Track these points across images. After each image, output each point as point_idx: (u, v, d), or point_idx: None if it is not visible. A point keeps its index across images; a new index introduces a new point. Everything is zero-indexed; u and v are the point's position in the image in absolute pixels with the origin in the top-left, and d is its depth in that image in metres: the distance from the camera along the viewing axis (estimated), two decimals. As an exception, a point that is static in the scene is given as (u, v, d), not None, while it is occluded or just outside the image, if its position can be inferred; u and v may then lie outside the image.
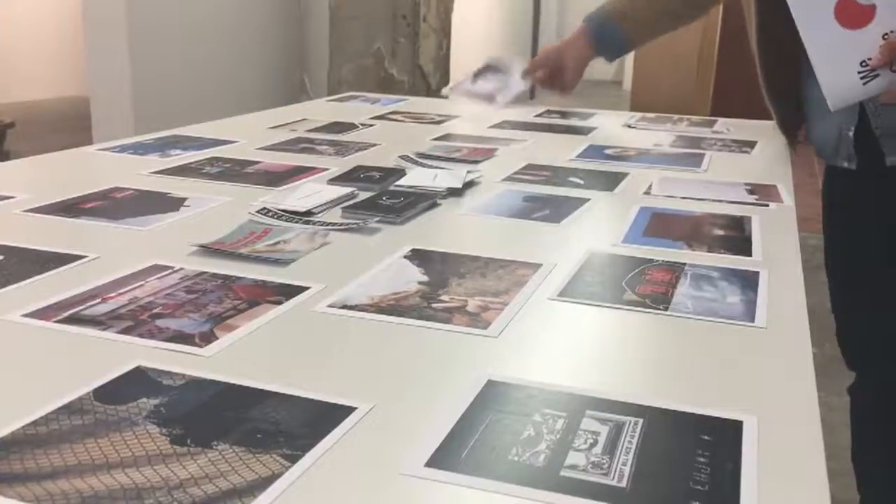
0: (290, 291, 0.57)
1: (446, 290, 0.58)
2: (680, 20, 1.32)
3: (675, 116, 1.40)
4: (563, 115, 1.41)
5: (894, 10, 0.84)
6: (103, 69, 3.15)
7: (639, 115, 1.41)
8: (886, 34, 0.85)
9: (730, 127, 1.29)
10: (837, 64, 0.86)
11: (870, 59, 0.85)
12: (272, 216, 0.74)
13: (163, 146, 1.04)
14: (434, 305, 0.55)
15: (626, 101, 6.61)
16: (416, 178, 0.89)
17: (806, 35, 0.87)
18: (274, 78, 4.08)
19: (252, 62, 3.90)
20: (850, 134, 1.00)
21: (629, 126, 1.32)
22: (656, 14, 1.30)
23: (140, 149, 1.03)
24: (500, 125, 1.30)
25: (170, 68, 3.32)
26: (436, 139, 1.17)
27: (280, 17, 4.06)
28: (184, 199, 0.79)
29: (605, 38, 1.31)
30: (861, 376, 1.12)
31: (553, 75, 1.36)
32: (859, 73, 0.85)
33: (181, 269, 0.60)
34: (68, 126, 5.42)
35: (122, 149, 1.03)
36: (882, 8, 0.84)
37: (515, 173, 0.96)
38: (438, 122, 1.30)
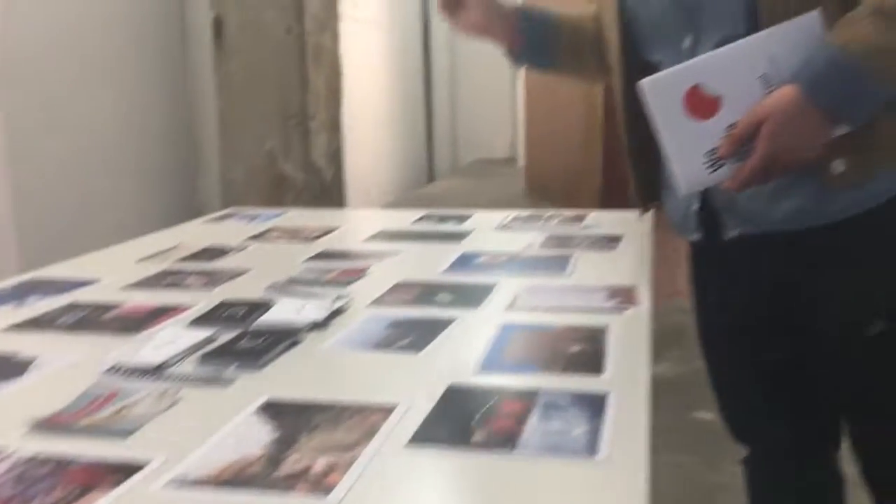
0: (128, 469, 0.55)
1: (295, 447, 0.57)
2: (587, 71, 1.26)
3: (547, 213, 1.45)
4: (441, 219, 1.44)
5: (738, 103, 0.90)
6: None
7: (513, 214, 1.45)
8: (730, 125, 0.90)
9: (598, 221, 1.34)
10: (687, 152, 0.91)
11: (716, 149, 0.90)
12: (122, 373, 0.72)
13: (21, 294, 1.00)
14: (275, 475, 0.54)
15: (521, 177, 6.80)
16: (280, 312, 0.89)
17: (658, 123, 0.92)
18: (165, 185, 4.03)
19: (141, 171, 3.85)
20: (695, 209, 1.05)
21: (503, 226, 1.36)
22: (578, 47, 1.22)
23: (-6, 299, 0.99)
24: (376, 236, 1.31)
25: (51, 180, 3.23)
26: (309, 259, 1.16)
27: (168, 123, 4.03)
28: (32, 360, 0.76)
29: (530, 23, 1.19)
30: (748, 449, 1.15)
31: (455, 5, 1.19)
32: (706, 162, 0.91)
33: (13, 453, 0.57)
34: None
35: (-26, 301, 0.99)
36: (726, 100, 0.90)
37: (384, 295, 0.97)
38: (314, 239, 1.31)
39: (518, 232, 1.31)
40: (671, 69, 0.92)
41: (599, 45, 1.21)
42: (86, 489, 0.52)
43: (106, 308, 0.94)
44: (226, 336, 0.81)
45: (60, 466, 0.55)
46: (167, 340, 0.79)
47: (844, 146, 0.90)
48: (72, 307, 0.95)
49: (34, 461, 0.56)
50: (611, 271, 1.05)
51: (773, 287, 1.06)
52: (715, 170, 0.91)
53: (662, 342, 2.91)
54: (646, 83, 0.91)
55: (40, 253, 3.07)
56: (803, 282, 1.02)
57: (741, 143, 0.89)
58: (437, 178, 7.67)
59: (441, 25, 9.69)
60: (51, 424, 0.61)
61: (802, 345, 1.09)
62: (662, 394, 2.56)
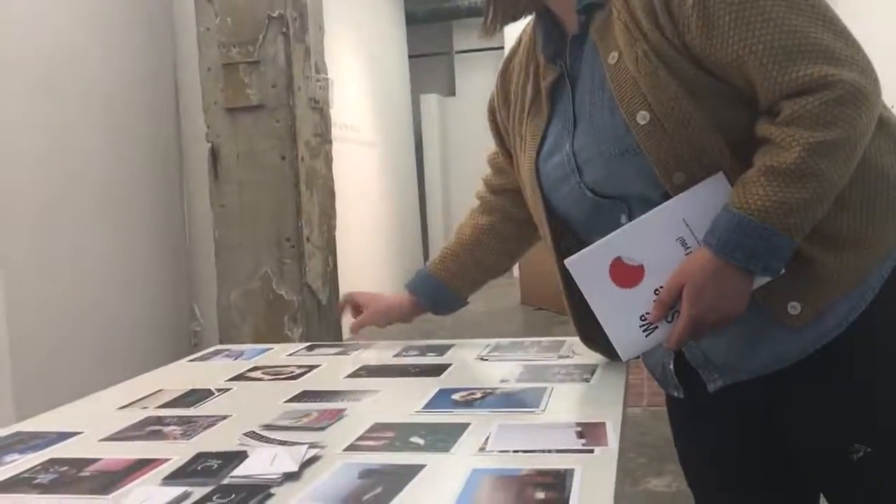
0: None
1: None
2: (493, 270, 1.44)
3: (528, 341, 1.47)
4: (421, 351, 1.46)
5: (660, 267, 0.95)
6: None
7: (493, 343, 1.47)
8: (657, 290, 0.94)
9: (574, 350, 1.36)
10: (620, 320, 0.96)
11: (647, 313, 0.94)
12: (92, 540, 0.72)
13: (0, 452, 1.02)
14: None
15: (517, 288, 6.86)
16: (254, 464, 0.90)
17: (588, 295, 0.97)
18: (164, 309, 4.08)
19: (141, 296, 3.90)
20: (671, 367, 1.08)
21: (482, 358, 1.38)
22: (475, 260, 1.41)
23: (-26, 458, 1.00)
24: (356, 373, 1.33)
25: (51, 309, 3.28)
26: (289, 400, 1.18)
27: (166, 250, 4.12)
28: (4, 527, 0.77)
29: (433, 298, 1.42)
30: None
31: (355, 309, 1.50)
32: (640, 325, 0.95)
33: None
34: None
35: (-44, 461, 1.00)
36: (649, 267, 0.95)
37: (359, 439, 0.98)
38: (297, 377, 1.33)
39: (497, 363, 1.34)
40: (592, 246, 0.98)
41: (504, 246, 1.40)
42: None
43: (84, 463, 0.95)
44: (198, 493, 0.82)
45: None
46: (139, 501, 0.80)
47: (794, 288, 0.94)
48: (52, 463, 0.96)
49: None
50: (583, 406, 1.07)
51: (756, 427, 1.09)
52: (649, 333, 0.95)
53: (663, 454, 2.88)
54: (571, 262, 0.97)
55: (36, 385, 3.08)
56: (785, 416, 1.05)
57: (667, 307, 0.94)
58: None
59: (433, 141, 9.99)
60: None
61: (793, 478, 1.11)
62: (661, 510, 2.49)
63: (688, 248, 0.94)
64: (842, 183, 0.91)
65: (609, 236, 0.97)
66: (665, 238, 0.94)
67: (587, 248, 0.98)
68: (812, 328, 0.97)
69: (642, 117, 0.95)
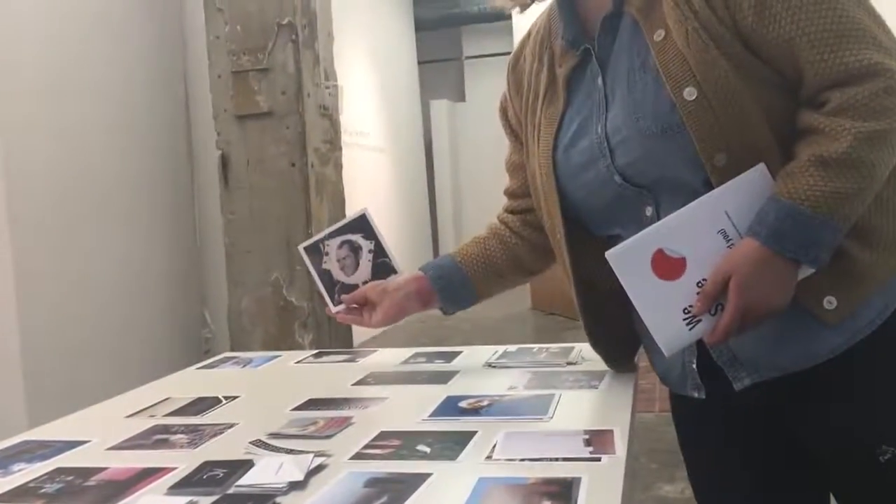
0: None
1: None
2: (526, 273, 1.35)
3: (536, 347, 1.46)
4: (429, 357, 1.46)
5: (703, 260, 0.93)
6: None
7: (501, 349, 1.47)
8: (700, 282, 0.93)
9: (584, 356, 1.35)
10: (662, 314, 0.94)
11: (690, 306, 0.93)
12: (97, 550, 0.72)
13: (6, 461, 1.02)
14: None
15: (527, 293, 6.84)
16: (260, 473, 0.90)
17: (630, 288, 0.95)
18: (175, 316, 4.09)
19: (152, 303, 3.92)
20: (693, 366, 1.07)
21: (490, 365, 1.37)
22: (507, 260, 1.32)
23: (-18, 467, 1.00)
24: (364, 380, 1.33)
25: (62, 316, 3.29)
26: (295, 408, 1.18)
27: (177, 257, 4.13)
28: (9, 538, 0.77)
29: (446, 283, 1.31)
30: None
31: (359, 312, 1.36)
32: (684, 319, 0.93)
33: None
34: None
35: (-37, 470, 1.00)
36: (691, 259, 0.93)
37: (365, 447, 0.97)
38: (303, 385, 1.32)
39: (504, 370, 1.33)
40: (634, 238, 0.97)
41: (515, 257, 1.31)
42: None
43: (90, 472, 0.95)
44: (204, 502, 0.82)
45: None
46: (144, 510, 0.80)
47: (831, 283, 0.94)
48: (58, 472, 0.96)
49: None
50: (591, 413, 1.06)
51: (770, 428, 1.08)
52: (693, 326, 0.94)
53: (675, 460, 2.86)
54: (612, 254, 0.95)
55: (49, 385, 3.10)
56: (806, 417, 1.04)
57: (713, 299, 0.93)
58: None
59: (443, 147, 9.99)
60: None
61: (815, 479, 1.10)
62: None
63: (729, 240, 0.94)
64: (885, 175, 0.92)
65: (651, 227, 0.96)
66: (706, 230, 0.94)
67: (628, 240, 0.96)
68: (845, 325, 0.96)
69: (689, 93, 0.94)
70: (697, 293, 0.93)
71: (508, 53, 1.31)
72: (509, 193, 1.34)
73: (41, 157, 3.21)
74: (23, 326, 3.06)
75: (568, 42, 1.10)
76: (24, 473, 0.97)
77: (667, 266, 0.94)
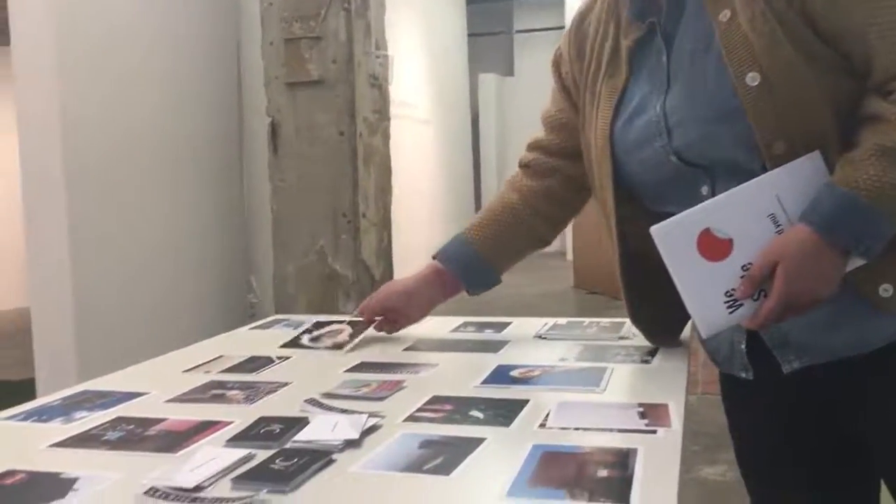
0: None
1: (319, 579, 0.58)
2: (536, 247, 1.35)
3: (586, 321, 1.46)
4: (479, 327, 1.46)
5: (749, 243, 0.91)
6: (45, 281, 3.19)
7: (551, 322, 1.46)
8: (745, 265, 0.91)
9: (634, 332, 1.34)
10: (704, 295, 0.92)
11: (733, 290, 0.91)
12: (159, 496, 0.74)
13: (69, 409, 1.04)
14: None
15: (570, 271, 6.81)
16: (315, 430, 0.91)
17: (672, 266, 0.94)
18: (220, 280, 4.15)
19: (198, 266, 3.97)
20: (743, 347, 1.06)
21: (540, 337, 1.37)
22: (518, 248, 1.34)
23: (45, 414, 1.03)
24: (413, 346, 1.33)
25: (112, 277, 3.36)
26: (349, 370, 1.19)
27: (225, 223, 4.18)
28: (75, 480, 0.79)
29: (471, 274, 1.32)
30: None
31: (394, 321, 1.37)
32: (725, 302, 0.92)
33: (50, 580, 0.59)
34: (10, 340, 5.37)
35: (27, 415, 1.03)
36: (737, 241, 0.91)
37: (419, 410, 0.98)
38: (355, 348, 1.33)
39: (555, 342, 1.32)
40: (680, 214, 0.95)
41: (556, 213, 1.31)
42: None
43: (149, 423, 0.97)
44: (262, 455, 0.83)
45: None
46: (204, 460, 0.82)
47: (888, 271, 0.92)
48: (119, 421, 0.99)
49: (68, 590, 0.58)
50: (645, 387, 1.05)
51: (817, 413, 1.07)
52: (734, 310, 0.92)
53: (717, 443, 2.84)
54: (657, 230, 0.93)
55: (99, 344, 3.17)
56: (858, 405, 1.03)
57: (758, 283, 0.91)
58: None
59: (489, 121, 9.93)
60: (87, 550, 0.64)
61: (865, 471, 1.08)
62: (715, 500, 2.50)
63: (778, 225, 0.91)
64: None
65: (700, 206, 0.94)
66: (756, 213, 0.92)
67: (675, 217, 0.94)
68: None
69: (752, 78, 0.92)
70: (741, 277, 0.91)
71: (560, 28, 1.29)
72: (540, 147, 1.31)
73: (96, 120, 3.26)
74: (75, 285, 3.13)
75: (634, 14, 1.08)
76: (86, 421, 0.99)
77: (713, 246, 0.92)
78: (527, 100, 9.27)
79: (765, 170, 0.94)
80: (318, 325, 1.45)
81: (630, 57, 1.08)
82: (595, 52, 1.15)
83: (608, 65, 1.11)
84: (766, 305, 0.90)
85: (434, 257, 1.35)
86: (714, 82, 0.97)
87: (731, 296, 0.91)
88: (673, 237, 0.93)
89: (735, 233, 0.92)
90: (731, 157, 0.98)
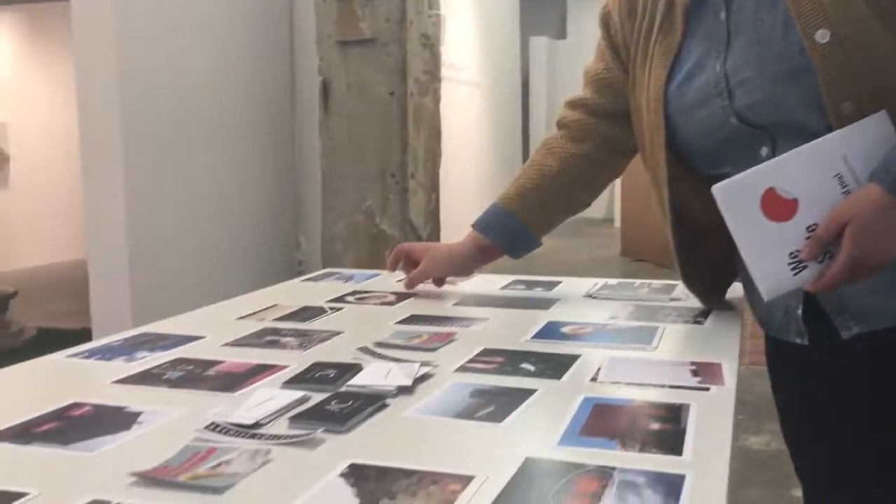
0: (220, 525, 0.58)
1: (375, 514, 0.60)
2: (584, 194, 1.33)
3: (637, 282, 1.45)
4: (529, 285, 1.46)
5: (815, 203, 0.89)
6: (101, 233, 3.26)
7: (602, 282, 1.46)
8: (810, 226, 0.89)
9: (686, 293, 1.33)
10: (766, 257, 0.91)
11: (798, 251, 0.90)
12: (220, 431, 0.76)
13: (131, 348, 1.08)
14: (354, 540, 0.56)
15: (617, 238, 6.75)
16: (369, 375, 0.92)
17: (734, 226, 0.92)
18: (271, 238, 4.20)
19: (248, 224, 4.03)
20: (799, 312, 1.04)
21: (591, 296, 1.36)
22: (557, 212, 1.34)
23: (108, 353, 1.06)
24: (462, 301, 1.34)
25: (166, 232, 3.43)
26: (400, 322, 1.20)
27: (275, 180, 4.22)
28: (139, 414, 0.82)
29: (510, 238, 1.33)
30: None
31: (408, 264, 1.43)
32: (789, 264, 0.90)
33: (117, 504, 0.62)
34: (67, 291, 5.52)
35: (91, 353, 1.06)
36: (803, 202, 0.90)
37: (470, 361, 0.99)
38: (406, 301, 1.35)
39: (605, 301, 1.32)
40: (743, 173, 0.92)
41: (597, 178, 1.31)
42: (181, 543, 0.56)
43: (208, 364, 1.00)
44: (317, 397, 0.85)
45: (159, 519, 0.59)
46: (262, 400, 0.84)
47: None
48: (179, 361, 1.02)
49: (137, 513, 0.61)
50: (697, 347, 1.05)
51: (867, 381, 1.05)
52: (798, 272, 0.90)
53: (762, 413, 2.81)
54: (719, 188, 0.91)
55: (152, 295, 3.25)
56: None
57: (825, 245, 0.89)
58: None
59: (540, 85, 9.81)
60: (153, 477, 0.66)
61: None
62: (759, 469, 2.49)
63: (845, 186, 0.89)
64: None
65: (763, 164, 0.92)
66: (822, 173, 0.89)
67: (738, 175, 0.92)
68: None
69: (821, 35, 0.89)
70: (807, 238, 0.89)
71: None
72: (582, 105, 1.27)
73: (152, 77, 3.30)
74: (130, 238, 3.21)
75: None
76: (147, 361, 1.02)
77: (777, 206, 0.90)
78: (579, 64, 9.12)
79: (829, 131, 0.91)
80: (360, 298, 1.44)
81: (686, 14, 1.06)
82: (648, 10, 1.12)
83: (662, 23, 1.09)
84: (833, 268, 0.88)
85: (474, 227, 1.35)
86: (781, 40, 0.94)
87: (795, 257, 0.89)
88: (736, 197, 0.91)
89: (800, 192, 0.90)
90: (795, 118, 0.95)
